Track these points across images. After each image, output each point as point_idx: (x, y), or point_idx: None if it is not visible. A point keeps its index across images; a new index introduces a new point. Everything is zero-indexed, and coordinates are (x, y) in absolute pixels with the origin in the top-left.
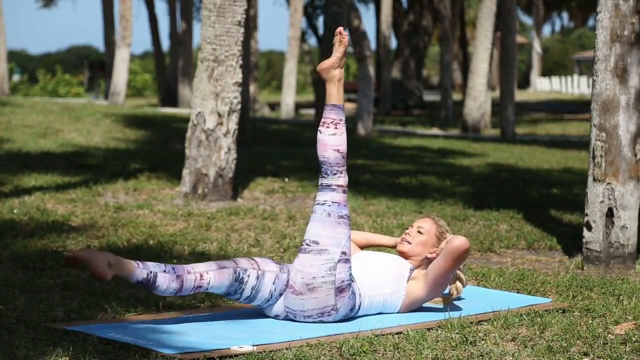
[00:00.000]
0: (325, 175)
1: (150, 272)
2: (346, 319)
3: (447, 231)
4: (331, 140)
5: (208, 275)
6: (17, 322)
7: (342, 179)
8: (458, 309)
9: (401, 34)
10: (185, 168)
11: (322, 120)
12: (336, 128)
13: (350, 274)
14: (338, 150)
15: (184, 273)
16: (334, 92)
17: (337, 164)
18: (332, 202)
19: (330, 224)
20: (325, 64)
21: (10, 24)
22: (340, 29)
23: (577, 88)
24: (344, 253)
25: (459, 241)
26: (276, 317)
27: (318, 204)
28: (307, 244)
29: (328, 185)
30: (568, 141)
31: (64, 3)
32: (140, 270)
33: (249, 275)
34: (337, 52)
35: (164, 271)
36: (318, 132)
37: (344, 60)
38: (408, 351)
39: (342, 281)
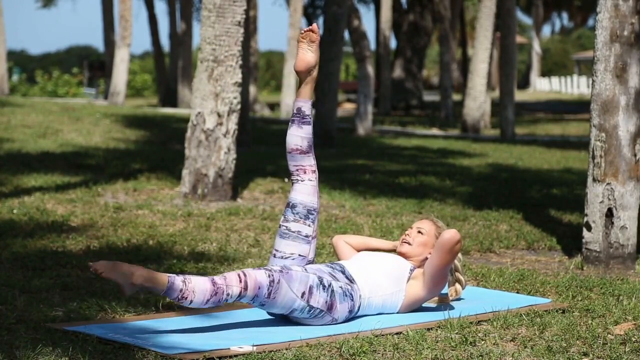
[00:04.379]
0: (226, 302)
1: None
2: (346, 320)
3: None
4: (196, 304)
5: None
6: (17, 322)
7: (234, 290)
8: (458, 309)
9: (401, 34)
10: (185, 168)
11: (172, 299)
12: (186, 298)
13: (329, 286)
14: (207, 300)
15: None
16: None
17: (219, 300)
18: (251, 300)
19: (272, 304)
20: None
21: (10, 24)
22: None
23: (576, 88)
24: (303, 293)
25: (449, 234)
26: (273, 314)
27: (249, 304)
28: (276, 315)
29: (235, 300)
30: (568, 141)
31: (63, 3)
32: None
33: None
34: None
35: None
36: (181, 305)
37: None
38: (408, 351)
39: (326, 302)
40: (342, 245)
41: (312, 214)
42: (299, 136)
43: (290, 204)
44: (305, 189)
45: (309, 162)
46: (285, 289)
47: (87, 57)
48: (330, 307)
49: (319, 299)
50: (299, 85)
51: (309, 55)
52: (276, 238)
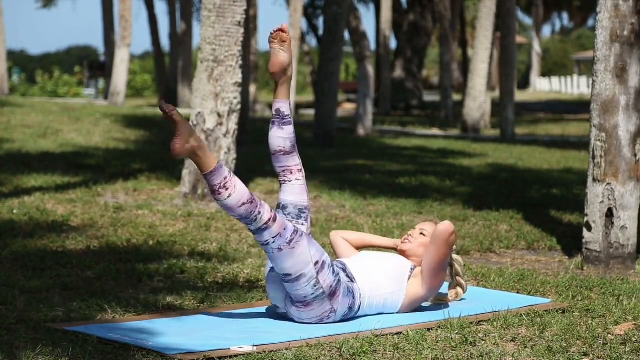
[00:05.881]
0: (249, 225)
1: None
2: (346, 319)
3: None
4: (230, 202)
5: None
6: (17, 322)
7: (265, 215)
8: (458, 309)
9: (401, 34)
10: (185, 168)
11: (211, 187)
12: (227, 189)
13: (337, 274)
14: (243, 204)
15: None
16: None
17: (250, 212)
18: (272, 237)
19: (287, 254)
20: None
21: (10, 24)
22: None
23: (577, 88)
24: (317, 262)
25: (443, 226)
26: (276, 308)
27: (263, 244)
28: (282, 277)
29: (258, 229)
30: (568, 141)
31: (63, 3)
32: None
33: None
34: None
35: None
36: (215, 199)
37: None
38: (408, 351)
39: (331, 286)
40: (340, 242)
41: (304, 213)
42: (281, 137)
43: (281, 205)
44: (293, 189)
45: (294, 161)
46: (305, 246)
47: (87, 57)
48: (332, 294)
49: (326, 279)
50: (275, 86)
51: (281, 55)
52: None
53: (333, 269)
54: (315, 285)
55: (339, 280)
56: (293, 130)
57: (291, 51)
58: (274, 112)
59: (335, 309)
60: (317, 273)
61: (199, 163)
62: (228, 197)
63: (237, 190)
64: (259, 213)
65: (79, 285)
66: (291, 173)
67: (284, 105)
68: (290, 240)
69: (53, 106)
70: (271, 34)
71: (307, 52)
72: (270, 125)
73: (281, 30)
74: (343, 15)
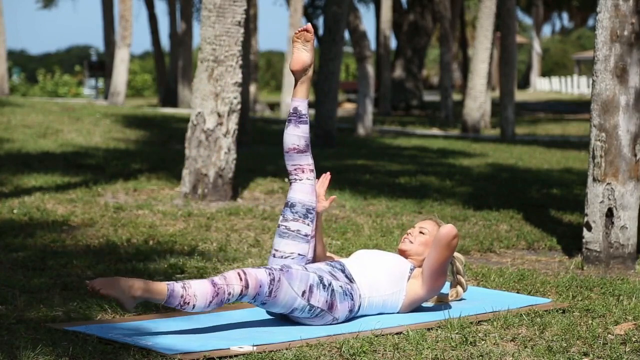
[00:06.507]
0: (228, 302)
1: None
2: (347, 319)
3: None
4: (198, 308)
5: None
6: (17, 322)
7: (236, 290)
8: (458, 309)
9: (401, 34)
10: (185, 168)
11: (175, 308)
12: (188, 303)
13: (329, 285)
14: (210, 302)
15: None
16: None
17: (222, 299)
18: (252, 299)
19: (273, 303)
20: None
21: (10, 24)
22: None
23: (577, 88)
24: (304, 292)
25: (446, 229)
26: (274, 314)
27: (251, 303)
28: (278, 315)
29: (237, 300)
30: (568, 141)
31: (63, 3)
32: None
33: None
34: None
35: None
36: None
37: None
38: (408, 351)
39: (326, 301)
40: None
41: (311, 213)
42: (296, 135)
43: (289, 203)
44: (304, 188)
45: (307, 161)
46: (286, 287)
47: (87, 57)
48: (330, 307)
49: (319, 298)
50: (295, 84)
51: (304, 54)
52: (275, 238)
53: (323, 283)
54: (310, 310)
55: (332, 290)
56: (308, 130)
57: (313, 51)
58: (291, 110)
59: (337, 317)
60: (308, 300)
61: (152, 299)
62: (194, 307)
63: (198, 297)
64: (229, 293)
65: (79, 285)
66: (303, 172)
67: (302, 104)
68: (270, 292)
69: (53, 106)
70: (295, 33)
71: None
72: (287, 123)
73: (306, 30)
74: (343, 15)
